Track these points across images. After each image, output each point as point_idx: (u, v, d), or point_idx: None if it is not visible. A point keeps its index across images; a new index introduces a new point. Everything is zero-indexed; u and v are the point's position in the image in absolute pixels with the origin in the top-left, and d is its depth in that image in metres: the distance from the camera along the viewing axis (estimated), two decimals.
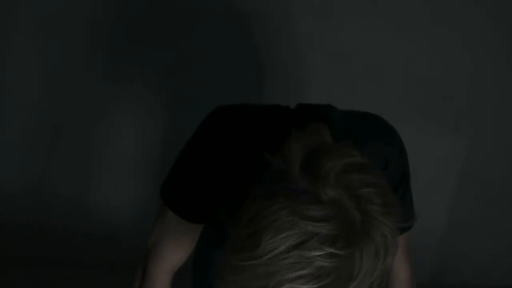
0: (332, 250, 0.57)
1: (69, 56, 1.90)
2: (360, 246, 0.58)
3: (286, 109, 0.87)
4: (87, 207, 1.97)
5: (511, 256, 1.95)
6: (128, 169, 1.91)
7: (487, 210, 1.91)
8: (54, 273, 1.79)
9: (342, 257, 0.57)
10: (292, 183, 0.59)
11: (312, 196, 0.58)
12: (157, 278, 0.87)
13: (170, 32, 1.79)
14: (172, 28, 1.78)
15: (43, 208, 1.96)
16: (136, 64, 1.87)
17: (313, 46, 1.70)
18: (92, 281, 1.77)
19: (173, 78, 1.81)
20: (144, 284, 0.88)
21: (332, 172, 0.59)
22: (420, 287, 1.01)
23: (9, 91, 1.97)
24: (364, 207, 0.59)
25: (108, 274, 1.71)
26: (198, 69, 1.79)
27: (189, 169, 0.84)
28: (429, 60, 1.76)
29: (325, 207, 0.58)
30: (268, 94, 1.77)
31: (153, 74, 1.87)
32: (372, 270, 0.59)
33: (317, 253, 0.56)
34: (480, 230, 1.93)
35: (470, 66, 1.78)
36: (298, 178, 0.60)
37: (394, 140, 0.86)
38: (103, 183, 2.00)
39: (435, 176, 1.89)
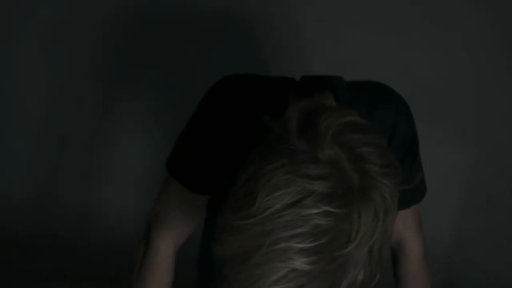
0: (328, 208, 0.56)
1: (75, 67, 1.94)
2: (357, 206, 0.57)
3: (292, 79, 0.87)
4: (91, 217, 1.97)
5: None
6: (133, 180, 1.91)
7: (494, 220, 1.88)
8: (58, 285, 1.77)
9: (339, 216, 0.56)
10: (289, 143, 0.59)
11: (309, 155, 0.57)
12: (159, 249, 0.86)
13: (175, 45, 1.81)
14: (176, 40, 1.81)
15: (47, 218, 1.96)
16: (141, 76, 1.89)
17: (313, 53, 1.71)
18: None
19: (178, 91, 1.83)
20: (147, 255, 0.86)
21: (329, 131, 0.59)
22: None
23: (15, 101, 2.00)
24: (363, 167, 0.58)
25: (110, 285, 1.69)
26: (204, 82, 1.81)
27: (193, 139, 0.84)
28: (433, 68, 1.76)
29: (322, 166, 0.57)
30: None
31: (158, 87, 1.89)
32: (371, 233, 0.58)
33: (313, 211, 0.55)
34: (488, 240, 1.90)
35: (476, 76, 1.78)
36: (295, 137, 0.59)
37: (400, 107, 0.85)
38: (108, 193, 2.00)
39: (440, 186, 1.86)
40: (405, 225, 0.93)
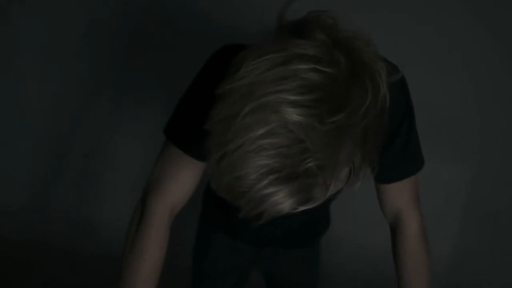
0: (316, 66, 0.56)
1: (74, 78, 1.96)
2: (344, 78, 0.57)
3: None
4: (88, 226, 1.98)
5: None
6: (130, 189, 1.91)
7: (493, 238, 1.89)
8: None
9: (326, 74, 0.56)
10: (282, 35, 0.61)
11: (300, 38, 0.59)
12: (156, 211, 0.86)
13: (179, 58, 1.83)
14: (180, 53, 1.83)
15: (44, 225, 1.96)
16: (141, 87, 1.91)
17: None
18: None
19: (175, 101, 1.84)
20: (143, 218, 0.86)
21: (320, 21, 0.61)
22: None
23: (15, 111, 2.02)
24: (351, 50, 0.60)
25: None
26: None
27: (191, 104, 0.84)
28: (433, 87, 1.77)
29: (313, 43, 0.58)
30: None
31: (156, 98, 1.90)
32: (363, 109, 0.58)
33: (302, 66, 0.56)
34: (489, 256, 1.90)
35: (475, 94, 1.80)
36: (288, 32, 0.61)
37: (395, 73, 0.82)
38: (105, 203, 2.02)
39: (440, 204, 1.87)
40: (402, 198, 0.93)
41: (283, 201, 0.56)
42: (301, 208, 0.59)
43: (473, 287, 1.91)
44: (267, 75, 0.56)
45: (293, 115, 0.54)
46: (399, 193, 0.92)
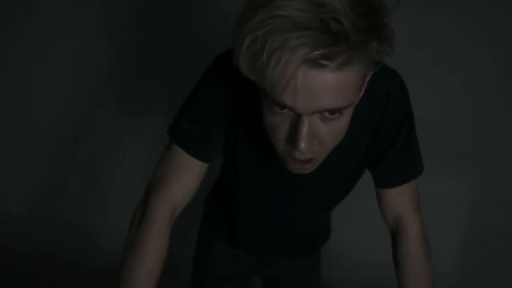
0: None
1: (80, 89, 1.97)
2: None
3: None
4: (89, 237, 1.98)
5: None
6: (132, 202, 1.92)
7: (496, 252, 1.89)
8: None
9: None
10: None
11: None
12: (158, 210, 0.85)
13: (184, 69, 1.84)
14: (187, 61, 1.84)
15: (46, 236, 1.97)
16: (147, 102, 1.92)
17: None
18: None
19: None
20: (144, 217, 0.85)
21: None
22: None
23: (18, 122, 2.04)
24: None
25: None
26: None
27: (195, 104, 0.85)
28: (434, 106, 1.79)
29: None
30: None
31: (161, 114, 1.91)
32: None
33: None
34: (491, 272, 1.90)
35: (474, 109, 1.83)
36: None
37: (394, 76, 0.87)
38: (107, 215, 2.03)
39: (442, 220, 1.87)
40: (402, 202, 0.93)
41: (310, 49, 0.60)
42: (326, 63, 0.61)
43: None
44: None
45: None
46: (400, 198, 0.93)
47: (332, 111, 0.67)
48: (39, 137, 2.06)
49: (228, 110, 0.84)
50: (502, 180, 1.86)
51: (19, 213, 2.04)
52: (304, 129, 0.67)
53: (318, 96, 0.64)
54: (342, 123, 0.70)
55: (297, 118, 0.68)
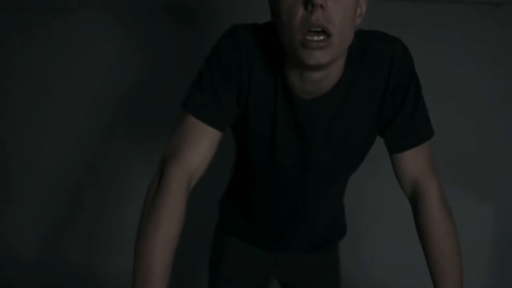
0: None
1: (85, 127, 2.01)
2: None
3: None
4: (95, 278, 1.98)
5: None
6: None
7: None
8: None
9: None
10: None
11: None
12: (175, 177, 0.84)
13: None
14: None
15: (52, 276, 1.95)
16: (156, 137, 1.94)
17: None
18: None
19: None
20: (161, 184, 0.84)
21: None
22: None
23: (26, 162, 2.05)
24: None
25: None
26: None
27: (205, 76, 0.88)
28: (452, 131, 1.77)
29: None
30: None
31: None
32: None
33: None
34: None
35: (494, 132, 1.82)
36: None
37: (397, 41, 0.89)
38: (113, 256, 2.00)
39: (464, 245, 1.84)
40: (417, 165, 0.93)
41: None
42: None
43: None
44: None
45: None
46: (414, 161, 0.93)
47: None
48: (46, 182, 2.08)
49: (238, 79, 0.87)
50: None
51: (27, 258, 2.03)
52: None
53: None
54: None
55: None
